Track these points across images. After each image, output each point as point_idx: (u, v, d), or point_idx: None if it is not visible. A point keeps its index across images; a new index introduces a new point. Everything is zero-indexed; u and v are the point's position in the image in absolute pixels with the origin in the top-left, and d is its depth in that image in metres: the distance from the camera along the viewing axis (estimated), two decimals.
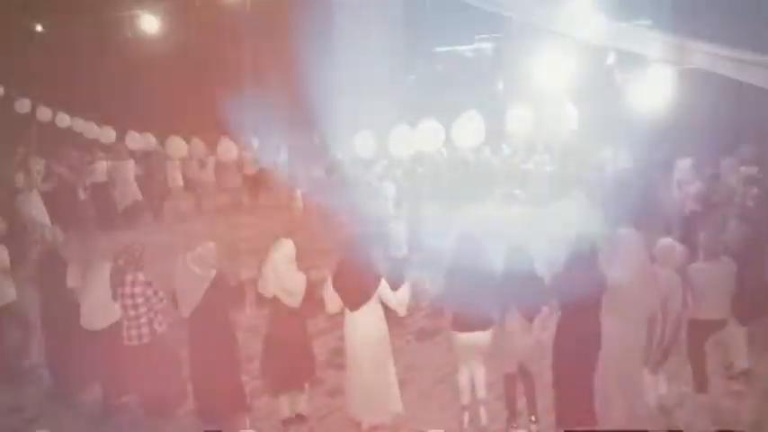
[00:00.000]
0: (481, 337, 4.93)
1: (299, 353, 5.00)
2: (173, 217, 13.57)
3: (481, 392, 5.15)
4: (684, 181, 9.52)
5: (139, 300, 5.07)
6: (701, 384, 5.49)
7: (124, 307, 5.10)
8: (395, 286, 7.44)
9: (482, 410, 5.12)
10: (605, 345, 4.67)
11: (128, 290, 5.06)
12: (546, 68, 13.09)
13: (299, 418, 5.22)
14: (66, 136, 14.40)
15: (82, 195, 12.28)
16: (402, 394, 5.61)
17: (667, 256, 5.06)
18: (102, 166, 12.57)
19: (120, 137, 13.80)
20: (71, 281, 5.62)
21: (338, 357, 6.18)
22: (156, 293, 5.14)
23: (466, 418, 5.15)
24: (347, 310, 4.92)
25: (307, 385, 5.21)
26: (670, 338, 4.99)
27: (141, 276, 5.12)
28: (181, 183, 13.98)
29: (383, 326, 4.96)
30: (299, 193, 12.87)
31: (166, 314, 5.31)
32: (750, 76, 4.69)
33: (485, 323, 4.89)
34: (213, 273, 4.95)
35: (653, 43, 5.37)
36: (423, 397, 5.74)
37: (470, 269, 4.79)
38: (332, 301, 4.93)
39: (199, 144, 13.84)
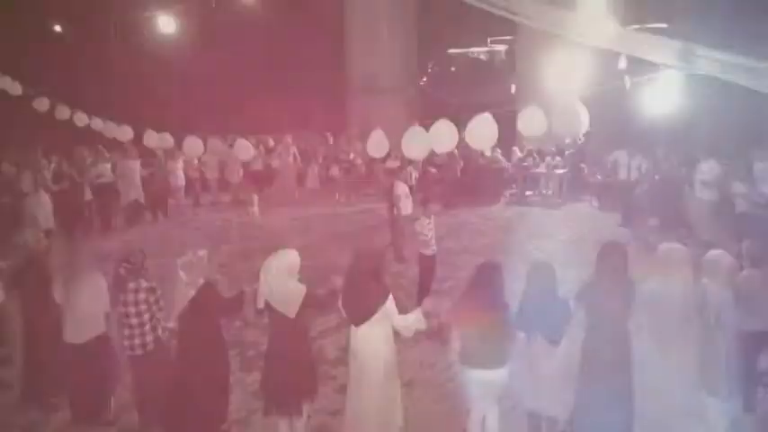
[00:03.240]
0: (497, 376, 4.53)
1: (298, 371, 4.64)
2: (177, 216, 13.75)
3: None
4: (717, 183, 9.40)
5: (143, 307, 4.96)
6: (749, 402, 5.19)
7: (126, 315, 4.95)
8: (425, 284, 7.51)
9: None
10: (647, 365, 4.40)
11: (131, 297, 4.94)
12: (558, 72, 13.15)
13: None
14: (78, 135, 14.60)
15: (88, 196, 12.37)
16: (412, 392, 5.73)
17: (716, 268, 4.78)
18: (106, 167, 12.71)
19: (138, 136, 14.02)
20: (58, 295, 5.36)
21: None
22: (157, 301, 5.02)
23: None
24: (352, 325, 4.62)
25: (306, 407, 4.78)
26: (731, 355, 4.67)
27: (144, 283, 5.00)
28: (183, 182, 14.20)
29: (391, 342, 4.64)
30: (255, 198, 12.78)
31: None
32: (759, 83, 4.75)
33: (501, 359, 4.50)
34: (201, 281, 4.72)
35: (662, 49, 5.43)
36: (432, 395, 5.80)
37: (491, 297, 4.47)
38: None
39: (216, 143, 14.03)
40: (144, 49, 17.93)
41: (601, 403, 4.36)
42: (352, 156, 16.11)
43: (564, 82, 12.79)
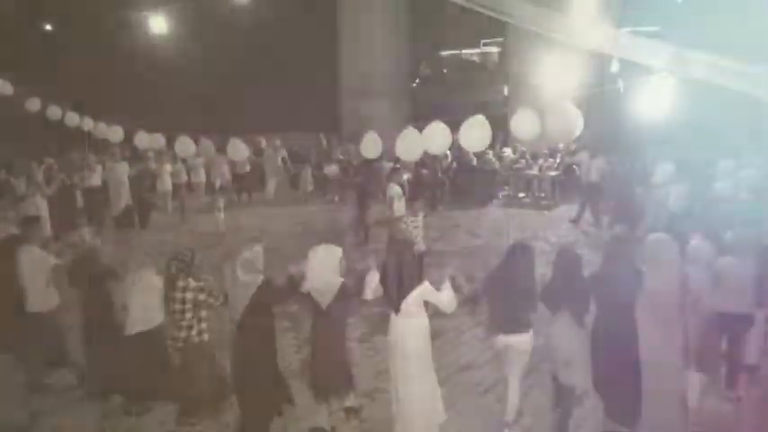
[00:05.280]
0: (515, 341, 5.00)
1: (330, 363, 4.99)
2: (167, 219, 13.57)
3: (509, 414, 5.19)
4: (665, 183, 9.89)
5: (188, 306, 5.12)
6: (729, 380, 5.64)
7: (173, 312, 5.17)
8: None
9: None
10: (644, 348, 4.71)
11: (179, 295, 5.11)
12: (551, 74, 13.21)
13: (348, 410, 5.34)
14: (70, 136, 14.48)
15: (80, 201, 12.01)
16: None
17: (698, 255, 5.34)
18: (97, 170, 12.46)
19: (129, 137, 13.87)
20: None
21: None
22: (210, 294, 5.16)
23: None
24: (391, 318, 4.95)
25: (336, 400, 5.18)
26: (703, 334, 5.17)
27: (193, 282, 5.15)
28: (170, 187, 13.87)
29: (426, 336, 4.95)
30: (221, 202, 12.38)
31: (217, 319, 5.44)
32: (750, 86, 4.81)
33: (524, 326, 4.99)
34: (260, 278, 4.87)
35: (655, 52, 5.48)
36: None
37: (517, 274, 4.95)
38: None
39: (207, 144, 13.90)
40: (136, 49, 17.85)
41: (612, 377, 4.76)
42: (345, 157, 16.11)
43: (557, 84, 12.84)
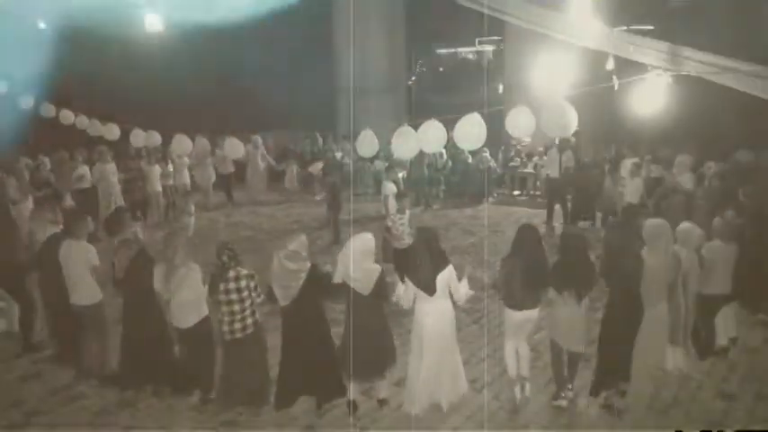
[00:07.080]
0: (530, 315, 5.46)
1: (376, 342, 5.25)
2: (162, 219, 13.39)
3: (524, 371, 5.68)
4: (624, 177, 10.52)
5: (245, 293, 5.28)
6: (702, 353, 6.13)
7: (229, 303, 5.26)
8: (400, 276, 7.78)
9: (526, 385, 5.72)
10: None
11: (232, 285, 5.25)
12: (546, 72, 13.23)
13: (380, 402, 5.58)
14: (64, 134, 14.37)
15: (69, 202, 11.35)
16: None
17: (688, 239, 5.69)
18: (86, 171, 12.30)
19: (124, 135, 13.81)
20: (157, 283, 5.58)
21: None
22: (255, 287, 5.33)
23: (518, 389, 5.63)
24: (418, 300, 5.24)
25: (388, 372, 5.48)
26: (691, 312, 5.67)
27: (243, 270, 5.33)
28: (159, 189, 13.61)
29: (452, 316, 5.33)
30: (192, 207, 11.56)
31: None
32: (743, 84, 4.85)
33: (534, 302, 5.44)
34: (308, 265, 5.14)
35: (649, 50, 5.51)
36: None
37: (530, 253, 5.35)
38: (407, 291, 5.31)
39: (203, 142, 13.84)
40: (130, 47, 17.77)
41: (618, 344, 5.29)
42: (332, 155, 16.10)
43: (552, 82, 12.86)
